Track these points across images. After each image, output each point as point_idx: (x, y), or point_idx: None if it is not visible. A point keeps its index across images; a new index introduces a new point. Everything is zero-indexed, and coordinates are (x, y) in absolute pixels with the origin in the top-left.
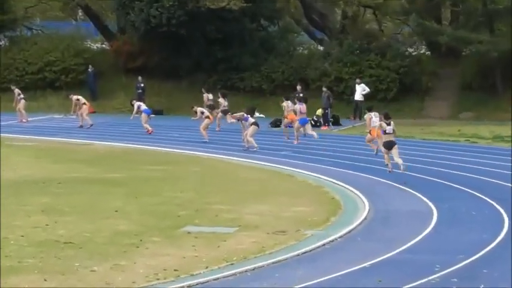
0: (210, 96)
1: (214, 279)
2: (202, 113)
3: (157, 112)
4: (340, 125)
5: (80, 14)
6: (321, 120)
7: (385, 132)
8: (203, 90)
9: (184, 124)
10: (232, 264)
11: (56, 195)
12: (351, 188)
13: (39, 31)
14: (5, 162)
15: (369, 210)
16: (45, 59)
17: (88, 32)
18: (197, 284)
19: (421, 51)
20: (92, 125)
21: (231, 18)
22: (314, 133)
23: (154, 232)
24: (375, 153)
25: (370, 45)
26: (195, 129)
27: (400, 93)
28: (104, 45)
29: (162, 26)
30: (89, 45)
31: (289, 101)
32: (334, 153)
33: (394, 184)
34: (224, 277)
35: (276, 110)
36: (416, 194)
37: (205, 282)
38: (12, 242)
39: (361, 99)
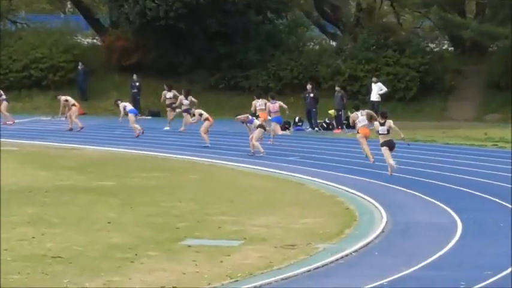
0: (170, 94)
1: None
2: (201, 115)
3: (154, 114)
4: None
5: (69, 6)
6: (334, 122)
7: (379, 133)
8: (165, 87)
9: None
10: (236, 281)
11: (43, 205)
12: (367, 198)
13: (25, 25)
14: None
15: (387, 221)
16: (31, 55)
17: (78, 26)
18: None
19: (444, 47)
20: (82, 128)
21: (234, 11)
22: (279, 132)
23: (151, 245)
24: (365, 156)
25: (388, 41)
26: (195, 132)
27: (420, 92)
28: (95, 41)
29: (159, 19)
30: (78, 40)
31: (259, 100)
32: (348, 159)
33: (415, 193)
34: None
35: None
36: (439, 203)
37: None
38: None
39: (377, 99)
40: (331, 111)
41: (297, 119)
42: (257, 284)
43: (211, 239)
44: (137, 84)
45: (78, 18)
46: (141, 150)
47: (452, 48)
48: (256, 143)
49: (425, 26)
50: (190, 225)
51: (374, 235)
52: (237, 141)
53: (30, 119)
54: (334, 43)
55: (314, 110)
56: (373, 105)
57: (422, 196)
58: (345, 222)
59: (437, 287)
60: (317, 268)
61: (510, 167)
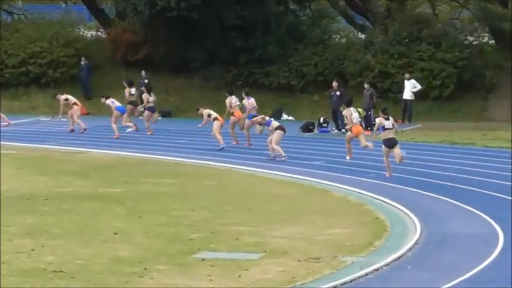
0: (133, 90)
1: None
2: (209, 115)
3: (165, 114)
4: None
5: None
6: (362, 123)
7: (384, 128)
8: (124, 83)
9: (197, 128)
10: None
11: (43, 214)
12: (398, 206)
13: (22, 16)
14: None
15: (421, 232)
16: (29, 49)
17: (80, 18)
18: None
19: (484, 40)
20: (85, 130)
21: (253, 1)
22: (258, 130)
23: (161, 259)
24: (348, 158)
25: (422, 33)
26: (208, 134)
27: (458, 90)
28: (99, 33)
29: (170, 10)
30: (81, 33)
31: (233, 96)
32: (377, 164)
33: (451, 200)
34: None
35: (307, 111)
36: (477, 212)
37: None
38: None
39: (411, 97)
40: (359, 111)
41: (321, 119)
42: None
43: (228, 251)
44: (146, 81)
45: (80, 9)
46: (151, 154)
47: (493, 41)
48: (277, 147)
49: (464, 17)
50: (204, 237)
51: (407, 247)
52: (255, 143)
53: (28, 120)
54: (362, 36)
55: (340, 109)
56: (406, 104)
57: (459, 204)
58: (375, 233)
59: None
60: (344, 284)
61: None
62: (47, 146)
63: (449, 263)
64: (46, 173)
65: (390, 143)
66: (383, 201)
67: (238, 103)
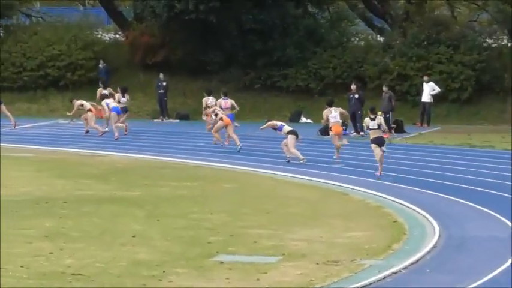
0: (106, 91)
1: None
2: (216, 114)
3: (183, 117)
4: (405, 132)
5: None
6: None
7: (368, 128)
8: (100, 83)
9: None
10: None
11: (62, 217)
12: (417, 209)
13: (40, 19)
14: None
15: (440, 235)
16: (47, 52)
17: (98, 20)
18: None
19: (503, 43)
20: (104, 133)
21: (271, 4)
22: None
23: (180, 262)
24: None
25: (440, 36)
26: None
27: (476, 93)
28: (117, 36)
29: (189, 13)
30: (99, 35)
31: (211, 97)
32: (396, 167)
33: (470, 203)
34: None
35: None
36: (497, 215)
37: None
38: (10, 273)
39: (429, 100)
40: (378, 114)
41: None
42: None
43: (247, 254)
44: (164, 84)
45: (98, 11)
46: (170, 157)
47: None
48: (294, 150)
49: (482, 20)
50: (223, 240)
51: (425, 250)
52: (274, 146)
53: (46, 123)
54: (381, 38)
55: (359, 112)
56: (425, 107)
57: (478, 207)
58: (393, 236)
59: None
60: (363, 287)
61: None
62: (65, 149)
63: (467, 266)
64: (65, 176)
65: (379, 141)
66: (401, 204)
67: (214, 104)
